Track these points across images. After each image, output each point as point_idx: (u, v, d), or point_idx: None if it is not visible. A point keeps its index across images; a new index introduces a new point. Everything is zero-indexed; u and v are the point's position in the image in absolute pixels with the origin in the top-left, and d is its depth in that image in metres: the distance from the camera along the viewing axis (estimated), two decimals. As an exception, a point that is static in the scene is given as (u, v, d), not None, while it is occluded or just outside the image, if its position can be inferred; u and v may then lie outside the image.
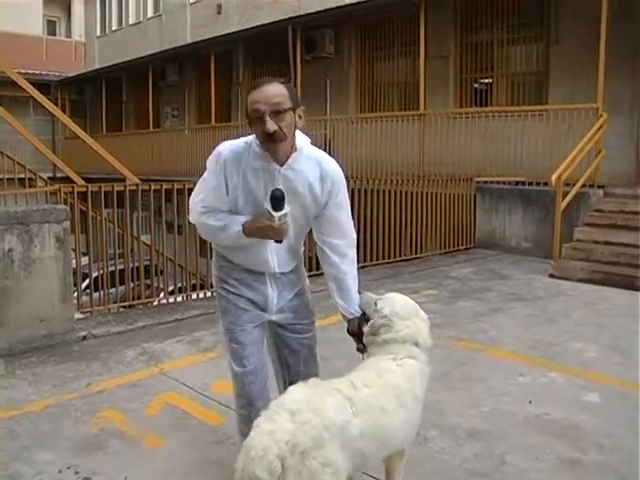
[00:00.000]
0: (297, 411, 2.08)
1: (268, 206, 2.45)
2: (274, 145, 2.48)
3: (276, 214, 2.44)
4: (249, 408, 2.79)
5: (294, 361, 2.89)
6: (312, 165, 2.60)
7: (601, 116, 9.54)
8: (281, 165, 2.55)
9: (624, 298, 6.86)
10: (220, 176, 2.57)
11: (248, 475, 1.97)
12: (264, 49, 16.61)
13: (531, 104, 11.39)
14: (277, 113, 2.43)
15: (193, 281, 7.45)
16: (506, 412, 3.88)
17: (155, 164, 18.58)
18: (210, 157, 2.63)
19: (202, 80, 18.77)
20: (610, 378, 4.42)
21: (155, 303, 7.12)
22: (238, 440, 2.88)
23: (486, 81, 13.08)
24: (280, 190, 2.46)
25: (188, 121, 20.00)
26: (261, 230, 2.52)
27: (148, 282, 7.79)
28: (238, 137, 2.63)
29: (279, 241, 2.60)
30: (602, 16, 9.48)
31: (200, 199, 2.65)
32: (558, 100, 10.93)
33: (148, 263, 7.88)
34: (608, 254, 8.06)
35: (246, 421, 2.77)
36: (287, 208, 2.47)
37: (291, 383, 2.85)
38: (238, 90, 18.11)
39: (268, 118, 2.41)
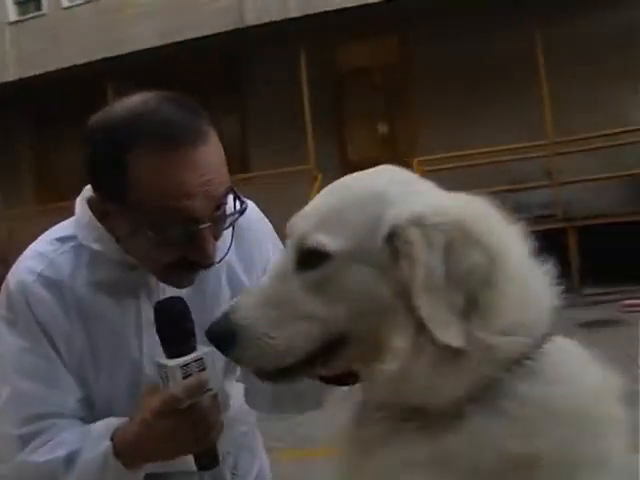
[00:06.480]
0: None
1: (158, 355, 1.10)
2: (191, 275, 1.17)
3: (172, 362, 1.05)
4: None
5: None
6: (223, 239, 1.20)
7: (316, 178, 9.77)
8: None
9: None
10: (31, 330, 1.16)
11: None
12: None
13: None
14: (222, 213, 1.14)
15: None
16: None
17: None
18: None
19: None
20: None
21: None
22: None
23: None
24: (174, 299, 1.11)
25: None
26: (155, 426, 1.06)
27: None
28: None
29: (209, 466, 1.14)
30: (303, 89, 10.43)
31: (7, 399, 1.17)
32: (263, 167, 11.11)
33: None
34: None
35: None
36: (204, 348, 1.06)
37: None
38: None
39: (208, 231, 1.10)
